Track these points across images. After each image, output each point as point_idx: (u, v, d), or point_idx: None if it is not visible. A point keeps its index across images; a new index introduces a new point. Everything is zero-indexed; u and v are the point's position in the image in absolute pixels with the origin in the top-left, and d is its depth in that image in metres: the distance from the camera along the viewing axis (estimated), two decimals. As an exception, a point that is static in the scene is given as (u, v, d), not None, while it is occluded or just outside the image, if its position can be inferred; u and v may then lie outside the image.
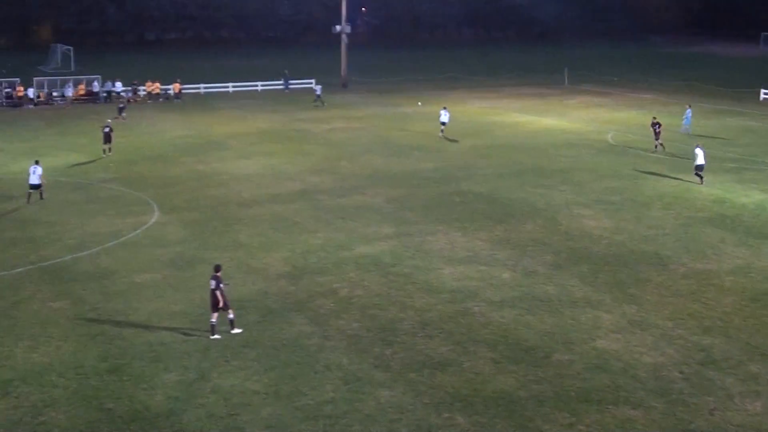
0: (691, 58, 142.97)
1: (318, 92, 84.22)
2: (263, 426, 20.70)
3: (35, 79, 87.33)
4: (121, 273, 31.95)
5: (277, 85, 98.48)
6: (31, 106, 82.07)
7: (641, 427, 20.63)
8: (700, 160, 46.20)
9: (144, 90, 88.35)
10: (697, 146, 47.41)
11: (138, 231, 37.74)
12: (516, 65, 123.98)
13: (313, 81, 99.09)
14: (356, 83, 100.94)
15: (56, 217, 40.06)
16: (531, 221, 39.05)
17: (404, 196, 43.89)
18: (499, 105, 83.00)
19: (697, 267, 32.44)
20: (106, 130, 55.70)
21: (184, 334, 26.15)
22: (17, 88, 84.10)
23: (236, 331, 26.09)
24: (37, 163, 43.84)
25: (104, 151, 55.41)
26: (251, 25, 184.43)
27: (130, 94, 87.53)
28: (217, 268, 26.41)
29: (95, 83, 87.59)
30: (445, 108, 64.98)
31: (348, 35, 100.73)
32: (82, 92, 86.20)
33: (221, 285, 26.00)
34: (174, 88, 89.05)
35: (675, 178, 47.27)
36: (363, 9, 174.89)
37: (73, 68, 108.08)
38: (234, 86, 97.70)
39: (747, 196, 43.67)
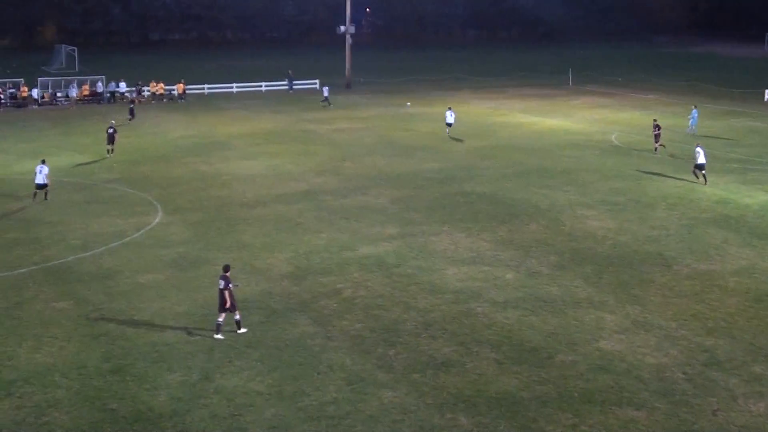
0: (695, 59, 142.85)
1: (326, 93, 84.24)
2: (266, 426, 20.70)
3: (39, 79, 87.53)
4: (125, 273, 31.98)
5: (281, 85, 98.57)
6: (36, 107, 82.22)
7: (644, 428, 20.60)
8: (701, 159, 46.27)
9: (148, 90, 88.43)
10: (697, 145, 47.48)
11: (141, 231, 37.76)
12: (520, 66, 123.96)
13: (317, 82, 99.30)
14: (360, 84, 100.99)
15: (60, 218, 40.10)
16: (535, 222, 39.02)
17: (408, 197, 43.88)
18: (503, 105, 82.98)
19: (701, 268, 32.39)
20: (110, 130, 55.80)
21: (188, 334, 26.16)
22: (21, 89, 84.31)
23: (242, 331, 26.10)
24: (43, 162, 43.96)
25: (108, 151, 55.51)
26: (255, 26, 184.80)
27: (134, 95, 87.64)
28: (226, 268, 26.44)
29: (99, 84, 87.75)
30: (450, 108, 65.33)
31: (352, 36, 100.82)
32: (86, 93, 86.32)
33: (230, 285, 26.02)
34: (178, 88, 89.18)
35: (679, 179, 47.20)
36: (367, 9, 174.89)
37: (77, 69, 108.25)
38: (238, 87, 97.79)
39: (751, 196, 43.60)
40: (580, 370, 23.58)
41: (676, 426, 20.68)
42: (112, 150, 55.50)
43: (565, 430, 20.52)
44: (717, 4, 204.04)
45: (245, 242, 35.99)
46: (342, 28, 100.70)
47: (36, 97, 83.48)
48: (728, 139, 61.49)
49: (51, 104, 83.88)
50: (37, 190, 43.14)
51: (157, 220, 39.77)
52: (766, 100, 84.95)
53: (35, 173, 43.34)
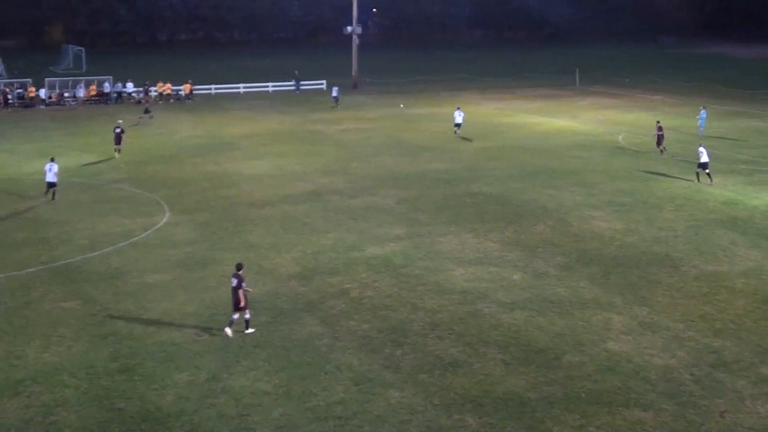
0: (702, 59, 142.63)
1: (335, 93, 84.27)
2: (274, 426, 20.72)
3: (47, 79, 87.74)
4: (132, 273, 32.04)
5: (288, 86, 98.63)
6: (43, 107, 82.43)
7: (651, 429, 20.57)
8: (704, 158, 46.31)
9: (155, 91, 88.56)
10: (700, 145, 47.54)
11: (149, 231, 37.83)
12: (527, 66, 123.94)
13: (323, 82, 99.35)
14: (367, 84, 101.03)
15: (67, 218, 40.19)
16: (542, 222, 39.00)
17: (415, 197, 43.88)
18: (509, 106, 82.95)
19: (709, 269, 32.35)
20: (117, 130, 55.89)
21: (195, 334, 26.20)
22: (29, 89, 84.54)
23: (250, 331, 26.14)
24: (52, 160, 44.07)
25: (115, 151, 55.60)
26: (262, 26, 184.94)
27: (141, 95, 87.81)
28: (239, 267, 26.52)
29: (106, 84, 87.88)
30: (458, 108, 65.49)
31: (359, 36, 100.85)
32: (93, 93, 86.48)
33: (243, 284, 26.08)
34: (185, 88, 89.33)
35: (686, 180, 47.13)
36: (374, 10, 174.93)
37: (84, 69, 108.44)
38: (245, 87, 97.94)
39: (759, 198, 43.51)
40: (588, 371, 23.57)
41: (683, 427, 20.65)
42: (119, 150, 55.59)
43: (572, 431, 20.52)
44: (724, 4, 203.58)
45: (252, 242, 36.04)
46: (349, 28, 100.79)
47: (43, 97, 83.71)
48: (735, 139, 61.40)
49: (58, 104, 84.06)
50: (49, 189, 43.35)
51: (164, 220, 39.84)
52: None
53: (45, 171, 43.49)
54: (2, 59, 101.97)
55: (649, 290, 30.03)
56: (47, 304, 28.88)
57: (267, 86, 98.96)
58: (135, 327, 26.82)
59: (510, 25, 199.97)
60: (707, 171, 46.47)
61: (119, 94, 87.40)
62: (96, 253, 34.56)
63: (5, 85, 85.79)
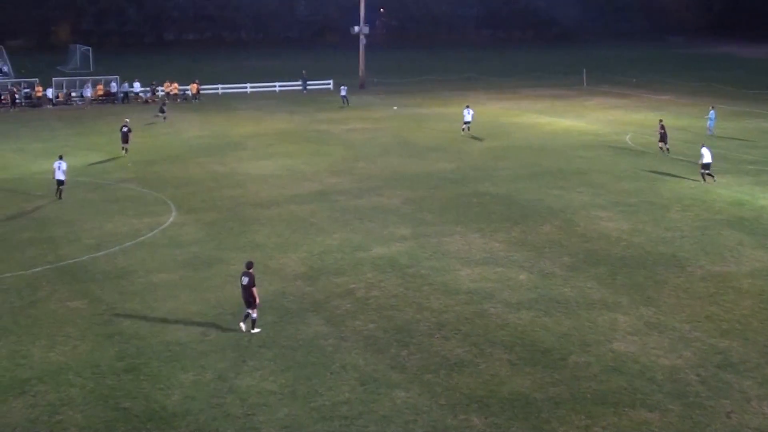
0: (710, 59, 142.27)
1: (343, 93, 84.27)
2: (279, 426, 20.72)
3: (54, 79, 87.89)
4: (139, 273, 32.08)
5: (295, 85, 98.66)
6: (50, 107, 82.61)
7: (658, 429, 20.53)
8: (707, 159, 46.26)
9: (162, 90, 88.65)
10: (702, 145, 47.50)
11: (155, 231, 37.87)
12: (534, 66, 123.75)
13: (330, 82, 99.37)
14: (374, 84, 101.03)
15: (74, 217, 40.26)
16: (548, 223, 38.95)
17: (421, 198, 43.86)
18: (517, 106, 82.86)
19: (715, 269, 32.27)
20: (124, 129, 55.96)
21: (201, 333, 26.22)
22: (36, 89, 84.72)
23: (255, 331, 26.16)
24: (61, 158, 44.17)
25: (123, 150, 55.68)
26: (269, 26, 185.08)
27: (148, 95, 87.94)
28: (250, 265, 26.61)
29: (113, 84, 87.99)
30: (468, 107, 65.49)
31: (366, 36, 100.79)
32: (100, 93, 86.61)
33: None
34: (192, 88, 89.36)
35: (693, 180, 47.01)
36: (381, 10, 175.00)
37: (91, 69, 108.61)
38: (252, 87, 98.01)
39: (766, 198, 43.37)
40: (594, 372, 23.53)
41: (689, 428, 20.61)
42: (127, 150, 55.64)
43: (578, 432, 20.52)
44: (732, 4, 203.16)
45: (259, 242, 36.05)
46: (356, 28, 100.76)
47: (51, 97, 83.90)
48: (743, 140, 61.24)
49: (65, 104, 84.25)
50: (58, 187, 43.51)
51: (170, 219, 39.88)
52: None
53: (54, 170, 43.62)
54: (10, 59, 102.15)
55: (655, 291, 29.97)
56: (53, 304, 28.93)
57: (274, 86, 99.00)
58: (141, 326, 26.85)
59: (517, 25, 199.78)
60: (708, 171, 46.41)
61: (125, 94, 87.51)
62: (102, 253, 34.62)
63: (13, 84, 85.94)
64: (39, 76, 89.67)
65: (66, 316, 27.82)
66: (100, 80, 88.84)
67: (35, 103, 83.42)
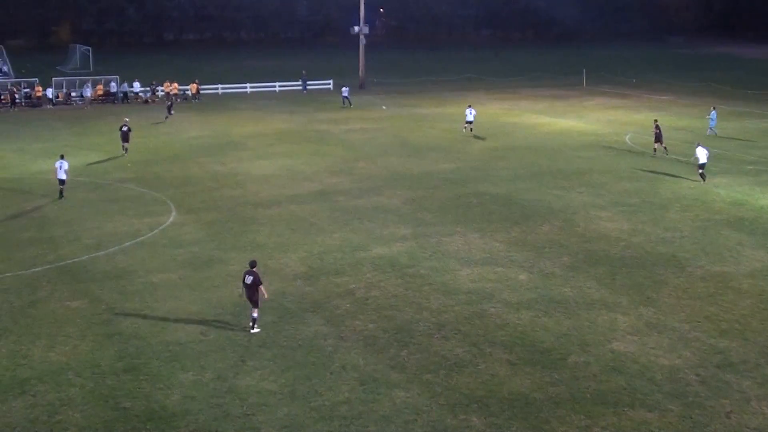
0: (710, 60, 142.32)
1: (345, 93, 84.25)
2: (279, 426, 20.73)
3: (54, 79, 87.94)
4: (139, 273, 32.09)
5: (295, 85, 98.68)
6: (50, 107, 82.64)
7: (657, 429, 20.54)
8: (703, 159, 46.23)
9: (162, 90, 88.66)
10: (698, 145, 47.42)
11: (155, 231, 37.88)
12: (534, 66, 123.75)
13: (330, 82, 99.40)
14: (374, 84, 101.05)
15: (74, 217, 40.28)
16: (548, 223, 38.96)
17: (421, 198, 43.87)
18: (517, 106, 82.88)
19: (715, 270, 32.28)
20: (124, 129, 55.96)
21: (201, 333, 26.22)
22: (36, 89, 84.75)
23: (255, 330, 26.18)
24: (62, 158, 44.21)
25: (123, 149, 55.69)
26: (269, 26, 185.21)
27: (148, 95, 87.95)
28: (253, 264, 26.64)
29: (113, 83, 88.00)
30: (470, 106, 65.64)
31: (366, 36, 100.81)
32: (100, 92, 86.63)
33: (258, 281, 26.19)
34: (192, 88, 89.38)
35: (693, 180, 47.02)
36: (381, 10, 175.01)
37: (91, 68, 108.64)
38: (252, 87, 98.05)
39: (766, 198, 43.37)
40: (593, 372, 23.55)
41: (689, 428, 20.62)
42: (127, 149, 55.65)
43: (577, 431, 20.53)
44: (732, 4, 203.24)
45: (259, 242, 36.06)
46: (356, 28, 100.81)
47: (50, 96, 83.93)
48: (743, 140, 61.25)
49: (65, 104, 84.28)
50: (61, 186, 43.58)
51: (170, 219, 39.89)
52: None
53: (56, 169, 43.66)
54: (10, 59, 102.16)
55: (655, 291, 29.98)
56: (53, 304, 28.94)
57: (274, 86, 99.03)
58: (141, 326, 26.86)
59: (517, 25, 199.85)
60: (700, 171, 46.47)
61: (126, 93, 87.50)
62: (102, 253, 34.63)
63: (13, 84, 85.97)
64: (39, 76, 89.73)
65: (66, 316, 27.83)
66: (100, 80, 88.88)
67: (35, 103, 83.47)
